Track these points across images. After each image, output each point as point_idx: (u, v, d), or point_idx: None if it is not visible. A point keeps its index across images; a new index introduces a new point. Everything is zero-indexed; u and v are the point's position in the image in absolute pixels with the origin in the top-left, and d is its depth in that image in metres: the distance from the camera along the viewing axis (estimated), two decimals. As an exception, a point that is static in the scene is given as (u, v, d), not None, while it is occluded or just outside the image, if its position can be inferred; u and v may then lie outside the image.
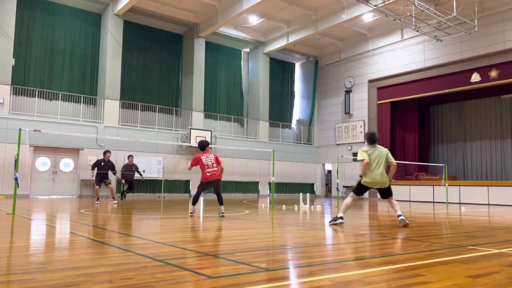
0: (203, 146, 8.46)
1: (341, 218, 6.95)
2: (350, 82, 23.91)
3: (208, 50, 22.67)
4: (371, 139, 7.14)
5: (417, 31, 17.33)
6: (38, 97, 18.24)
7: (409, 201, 19.30)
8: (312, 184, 25.57)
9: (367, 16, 20.22)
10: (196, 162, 8.25)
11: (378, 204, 16.30)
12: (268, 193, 23.11)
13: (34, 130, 9.75)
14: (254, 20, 21.71)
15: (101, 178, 12.37)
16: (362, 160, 6.94)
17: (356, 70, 23.64)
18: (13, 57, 17.37)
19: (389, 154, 7.12)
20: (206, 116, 22.56)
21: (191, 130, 20.48)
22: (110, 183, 12.61)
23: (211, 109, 23.24)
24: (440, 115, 23.71)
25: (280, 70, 26.31)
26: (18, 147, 8.42)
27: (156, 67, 21.93)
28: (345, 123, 24.02)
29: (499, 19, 17.86)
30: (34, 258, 3.74)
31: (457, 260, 3.79)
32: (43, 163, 17.51)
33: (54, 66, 19.09)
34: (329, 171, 26.43)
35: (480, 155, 21.79)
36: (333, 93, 24.95)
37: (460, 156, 22.52)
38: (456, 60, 19.13)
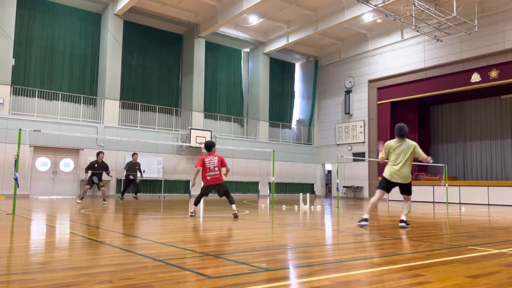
0: (209, 147, 8.34)
1: (365, 220, 6.76)
2: (350, 82, 23.91)
3: (208, 50, 22.67)
4: (399, 133, 6.89)
5: (417, 31, 17.33)
6: (38, 97, 18.25)
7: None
8: (312, 184, 25.57)
9: (367, 16, 20.22)
10: (201, 163, 8.13)
11: (378, 204, 16.30)
12: (268, 193, 23.11)
13: (34, 130, 9.75)
14: (254, 20, 21.71)
15: (93, 179, 12.30)
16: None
17: (356, 70, 23.63)
18: (13, 57, 17.37)
19: (417, 149, 6.82)
20: (206, 116, 22.56)
21: (191, 130, 20.48)
22: (103, 186, 12.56)
23: (211, 109, 23.25)
24: (440, 115, 23.70)
25: (280, 70, 26.32)
26: (18, 147, 8.42)
27: (156, 67, 21.93)
28: (345, 123, 24.02)
29: (499, 19, 17.86)
30: (34, 258, 3.74)
31: (457, 260, 3.79)
32: (43, 163, 17.51)
33: (54, 66, 19.09)
34: (329, 171, 26.43)
35: (480, 155, 21.79)
36: (333, 93, 24.95)
37: (460, 156, 22.52)
38: (456, 60, 19.13)
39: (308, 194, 14.66)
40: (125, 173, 14.82)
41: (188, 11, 20.93)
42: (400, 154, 6.76)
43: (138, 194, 15.21)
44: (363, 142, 23.02)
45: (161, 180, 19.57)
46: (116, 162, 18.60)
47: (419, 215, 10.25)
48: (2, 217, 7.57)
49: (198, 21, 21.64)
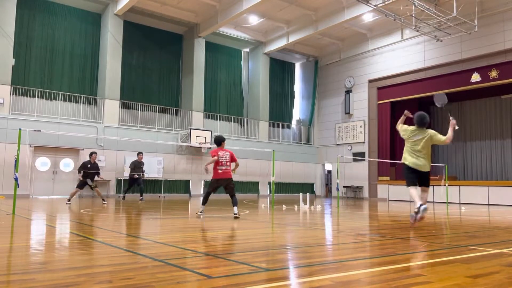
0: (220, 141, 8.27)
1: (421, 205, 6.25)
2: (350, 82, 23.91)
3: (208, 50, 22.67)
4: (421, 123, 6.63)
5: (417, 31, 17.34)
6: (38, 97, 18.25)
7: (409, 201, 19.29)
8: (312, 184, 25.57)
9: (367, 16, 20.23)
10: (216, 154, 8.02)
11: (378, 204, 16.31)
12: (268, 193, 23.11)
13: (34, 130, 9.75)
14: (254, 20, 21.71)
15: (87, 181, 12.20)
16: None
17: (356, 70, 23.64)
18: (13, 57, 17.37)
19: (436, 137, 6.58)
20: (206, 116, 22.57)
21: (191, 130, 20.48)
22: (96, 186, 12.48)
23: (211, 109, 23.25)
24: (440, 115, 23.70)
25: (280, 70, 26.32)
26: (18, 147, 8.42)
27: (156, 67, 21.93)
28: (345, 123, 24.02)
29: (499, 19, 17.86)
30: (34, 258, 3.74)
31: (457, 260, 3.79)
32: (43, 163, 17.51)
33: (54, 66, 19.09)
34: (329, 171, 26.43)
35: (480, 155, 21.79)
36: (333, 93, 24.95)
37: (460, 156, 22.52)
38: (456, 60, 19.13)
39: (308, 194, 14.66)
40: (129, 172, 14.80)
41: (188, 11, 20.93)
42: (417, 143, 6.56)
43: (130, 194, 15.22)
44: (363, 142, 23.02)
45: (161, 180, 19.57)
46: (116, 162, 18.61)
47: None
48: (2, 217, 7.57)
49: (198, 21, 21.64)
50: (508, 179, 19.79)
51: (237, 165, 8.34)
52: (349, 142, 23.78)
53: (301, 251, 4.47)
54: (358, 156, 22.77)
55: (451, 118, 6.76)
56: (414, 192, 6.45)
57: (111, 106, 19.11)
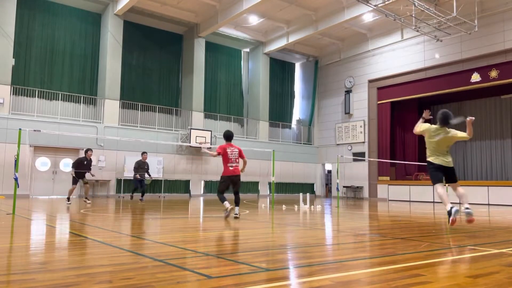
0: (229, 136, 8.09)
1: (452, 208, 6.23)
2: (350, 82, 23.91)
3: (208, 50, 22.67)
4: (444, 121, 6.52)
5: (417, 31, 17.33)
6: (38, 97, 18.25)
7: (409, 201, 19.31)
8: (312, 184, 25.57)
9: (367, 16, 20.23)
10: (223, 151, 7.86)
11: (378, 204, 16.31)
12: (268, 193, 23.11)
13: (34, 130, 9.76)
14: (254, 20, 21.71)
15: (81, 177, 12.27)
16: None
17: (356, 70, 23.64)
18: (13, 57, 17.37)
19: (458, 135, 6.57)
20: (206, 116, 22.57)
21: (191, 130, 20.48)
22: (87, 182, 12.52)
23: (211, 109, 23.25)
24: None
25: (280, 70, 26.32)
26: (18, 147, 8.42)
27: (156, 67, 21.93)
28: (345, 123, 24.02)
29: (499, 19, 17.86)
30: (34, 258, 3.74)
31: (457, 260, 3.79)
32: (43, 163, 17.51)
33: (54, 66, 19.09)
34: (329, 171, 26.43)
35: (480, 155, 21.79)
36: (333, 93, 24.95)
37: (460, 156, 22.51)
38: (456, 60, 19.13)
39: (308, 194, 14.65)
40: (133, 172, 14.78)
41: (188, 11, 20.93)
42: (442, 143, 6.52)
43: (137, 194, 15.17)
44: (363, 142, 23.02)
45: (161, 180, 19.57)
46: (116, 162, 18.61)
47: (419, 215, 10.25)
48: (2, 217, 7.57)
49: (198, 21, 21.64)
50: (508, 179, 19.79)
51: (245, 163, 8.20)
52: (349, 142, 23.78)
53: (301, 251, 4.47)
54: (358, 156, 22.77)
55: (467, 118, 6.65)
56: (443, 191, 6.41)
57: (111, 106, 19.11)
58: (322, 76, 25.85)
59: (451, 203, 6.36)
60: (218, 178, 24.09)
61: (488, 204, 16.83)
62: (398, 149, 22.45)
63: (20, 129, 8.72)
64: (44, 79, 18.75)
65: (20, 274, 3.03)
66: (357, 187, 23.06)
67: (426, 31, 17.97)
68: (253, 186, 23.00)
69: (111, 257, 3.78)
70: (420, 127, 6.83)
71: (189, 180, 20.67)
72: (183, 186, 20.68)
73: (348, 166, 23.40)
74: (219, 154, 7.91)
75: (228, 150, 7.89)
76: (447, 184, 6.69)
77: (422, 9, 15.80)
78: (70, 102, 19.18)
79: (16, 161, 8.36)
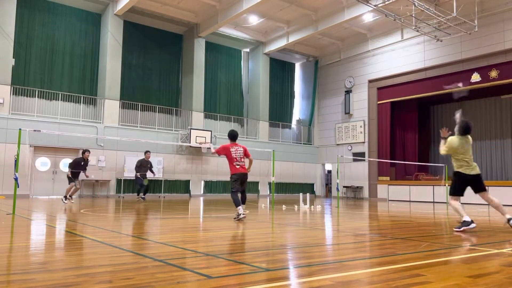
0: (233, 136, 7.97)
1: (465, 221, 6.48)
2: (350, 82, 23.91)
3: (208, 50, 22.67)
4: (467, 131, 6.84)
5: (417, 31, 17.33)
6: (38, 97, 18.24)
7: (409, 201, 19.31)
8: (312, 184, 25.57)
9: (367, 16, 20.22)
10: (224, 152, 7.76)
11: (378, 204, 16.31)
12: (268, 193, 23.11)
13: (34, 130, 9.76)
14: (254, 20, 21.71)
15: (76, 177, 12.28)
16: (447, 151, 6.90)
17: (356, 70, 23.63)
18: (13, 57, 17.36)
19: (470, 138, 6.87)
20: (206, 116, 22.56)
21: (191, 130, 20.48)
22: (79, 184, 12.53)
23: (211, 109, 23.25)
24: (440, 115, 23.71)
25: (280, 70, 26.32)
26: (18, 147, 8.42)
27: (156, 67, 21.93)
28: (345, 123, 24.02)
29: (499, 19, 17.86)
30: (34, 258, 3.74)
31: (457, 260, 3.79)
32: (43, 163, 17.51)
33: (54, 66, 19.09)
34: (329, 171, 26.43)
35: (480, 155, 21.79)
36: (333, 93, 24.95)
37: (460, 156, 22.48)
38: (456, 60, 19.13)
39: (308, 194, 14.63)
40: (135, 171, 14.77)
41: (188, 11, 20.93)
42: (467, 152, 6.91)
43: (138, 194, 15.18)
44: (363, 142, 23.02)
45: (161, 180, 19.56)
46: (116, 162, 18.61)
47: (419, 215, 10.26)
48: (2, 217, 7.57)
49: (198, 21, 21.64)
50: (508, 179, 19.78)
51: (250, 162, 8.11)
52: (349, 142, 23.78)
53: (301, 251, 4.47)
54: (358, 156, 22.77)
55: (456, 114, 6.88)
56: (458, 203, 6.75)
57: (111, 106, 19.10)
58: (322, 76, 25.85)
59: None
60: (218, 178, 24.15)
61: (488, 204, 16.80)
62: (398, 149, 22.43)
63: (20, 129, 8.72)
64: (44, 79, 18.74)
65: (20, 274, 3.03)
66: (357, 187, 23.06)
67: (426, 31, 17.97)
68: (253, 186, 22.99)
69: (111, 257, 3.78)
70: (449, 146, 6.87)
71: (189, 180, 20.67)
72: (183, 186, 20.68)
73: (348, 166, 23.39)
74: (219, 154, 7.86)
75: (232, 150, 7.79)
76: (477, 194, 6.81)
77: (422, 9, 15.79)
78: (70, 102, 19.17)
79: (16, 161, 8.36)
